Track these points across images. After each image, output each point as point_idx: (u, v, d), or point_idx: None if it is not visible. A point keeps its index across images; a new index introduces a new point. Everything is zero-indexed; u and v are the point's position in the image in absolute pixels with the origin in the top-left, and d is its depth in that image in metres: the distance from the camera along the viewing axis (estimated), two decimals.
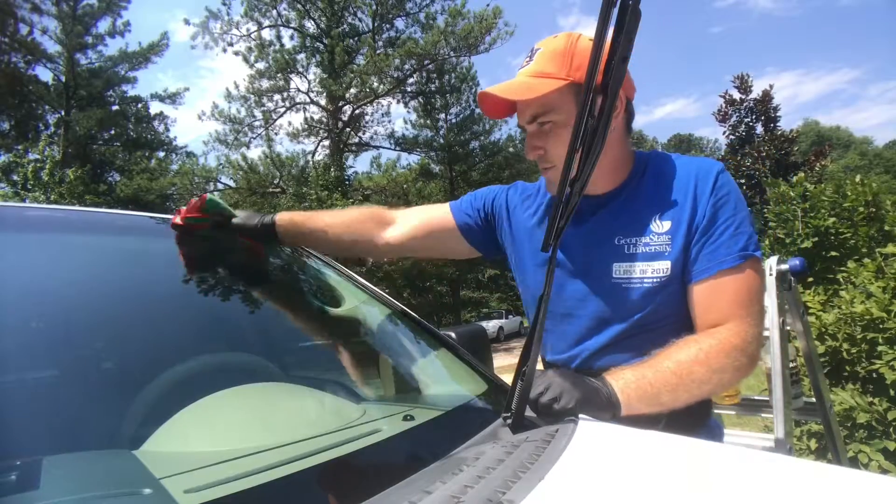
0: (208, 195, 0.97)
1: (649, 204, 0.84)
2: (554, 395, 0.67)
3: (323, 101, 17.33)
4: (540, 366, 0.80)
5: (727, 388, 0.82)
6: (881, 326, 2.21)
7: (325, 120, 17.56)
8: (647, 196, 0.85)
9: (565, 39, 0.81)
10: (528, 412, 0.69)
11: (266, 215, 1.04)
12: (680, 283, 0.82)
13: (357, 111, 17.59)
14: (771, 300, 1.49)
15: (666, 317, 0.83)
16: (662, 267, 0.81)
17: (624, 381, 0.73)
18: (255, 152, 22.17)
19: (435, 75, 17.83)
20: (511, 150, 19.45)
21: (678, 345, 0.78)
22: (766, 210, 3.60)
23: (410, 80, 17.54)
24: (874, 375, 2.19)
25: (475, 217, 1.03)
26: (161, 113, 20.97)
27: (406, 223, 1.06)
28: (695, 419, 0.91)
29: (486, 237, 1.03)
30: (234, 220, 1.03)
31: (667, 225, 0.82)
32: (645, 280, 0.81)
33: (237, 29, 16.72)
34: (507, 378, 0.86)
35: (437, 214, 1.05)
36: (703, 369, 0.75)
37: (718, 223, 0.80)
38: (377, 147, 18.75)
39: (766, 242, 3.35)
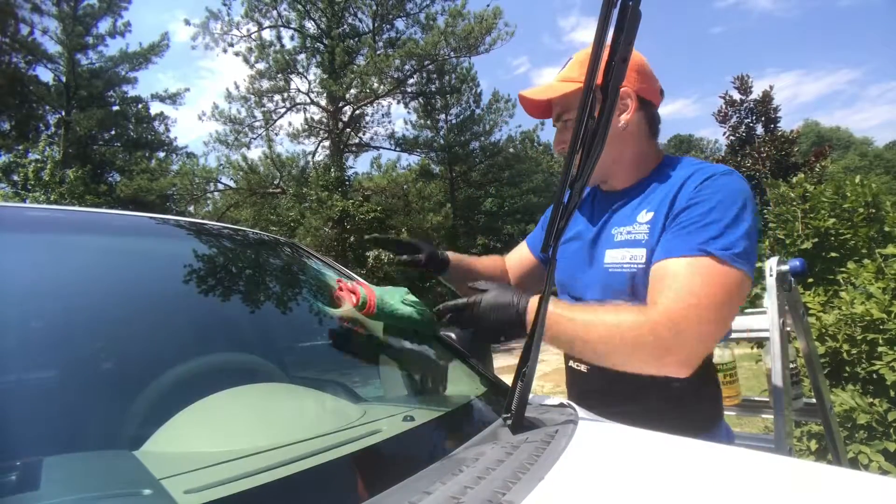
0: (377, 305, 0.87)
1: (644, 197, 0.91)
2: (465, 320, 0.84)
3: (323, 102, 17.32)
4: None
5: (630, 364, 0.75)
6: (881, 327, 2.21)
7: (325, 120, 17.56)
8: (646, 190, 0.91)
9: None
10: (528, 412, 0.69)
11: (440, 251, 1.15)
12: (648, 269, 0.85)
13: (357, 112, 17.58)
14: (771, 301, 1.49)
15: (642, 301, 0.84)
16: (639, 254, 0.85)
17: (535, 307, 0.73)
18: (255, 153, 22.21)
19: (435, 76, 17.83)
20: (511, 150, 19.45)
21: (608, 308, 0.79)
22: (766, 211, 3.60)
23: (411, 81, 17.54)
24: (874, 376, 2.19)
25: None
26: (161, 113, 20.98)
27: (511, 267, 1.24)
28: (704, 422, 0.92)
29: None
30: (409, 257, 1.10)
31: (650, 215, 0.87)
32: (624, 266, 0.87)
33: (237, 29, 16.71)
34: (507, 378, 0.86)
35: (524, 254, 1.22)
36: (605, 329, 0.74)
37: (691, 216, 0.79)
38: (377, 147, 18.74)
39: (766, 243, 3.35)
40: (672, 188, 0.86)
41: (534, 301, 0.82)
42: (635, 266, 0.86)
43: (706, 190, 0.80)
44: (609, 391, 0.88)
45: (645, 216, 0.87)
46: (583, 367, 0.96)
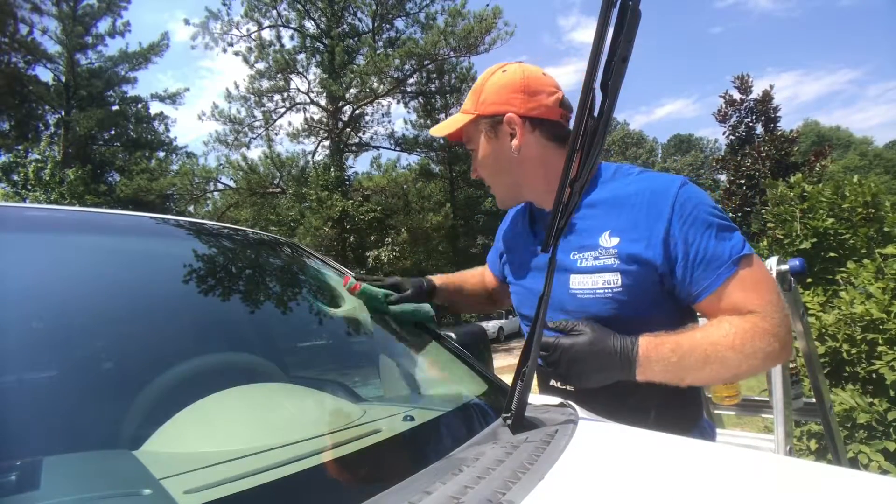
0: (362, 287, 0.98)
1: (603, 222, 0.88)
2: (560, 373, 0.80)
3: (323, 102, 17.33)
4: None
5: (756, 373, 0.84)
6: (881, 327, 2.21)
7: (325, 120, 17.56)
8: (601, 214, 0.89)
9: (485, 75, 0.96)
10: (528, 412, 0.69)
11: (424, 280, 1.14)
12: (638, 294, 0.84)
13: (357, 111, 17.59)
14: None
15: (627, 322, 0.83)
16: (613, 278, 0.84)
17: (653, 346, 0.79)
18: (255, 152, 22.22)
19: (435, 75, 17.83)
20: None
21: (712, 324, 0.80)
22: (765, 211, 3.60)
23: (410, 81, 17.54)
24: (874, 376, 2.19)
25: (500, 265, 1.16)
26: (161, 113, 21.05)
27: (487, 285, 1.25)
28: (687, 419, 0.92)
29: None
30: (397, 296, 1.03)
31: (615, 240, 0.85)
32: (597, 291, 0.86)
33: (237, 29, 16.72)
34: (507, 378, 0.86)
35: (489, 276, 1.24)
36: (734, 354, 0.77)
37: (698, 239, 0.81)
38: (377, 147, 18.75)
39: (765, 243, 3.35)
40: (634, 214, 0.84)
41: (646, 344, 0.79)
42: (610, 290, 0.85)
43: (684, 210, 0.82)
44: (591, 398, 0.85)
45: (608, 240, 0.86)
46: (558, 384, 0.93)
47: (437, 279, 1.17)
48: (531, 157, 0.93)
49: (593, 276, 0.86)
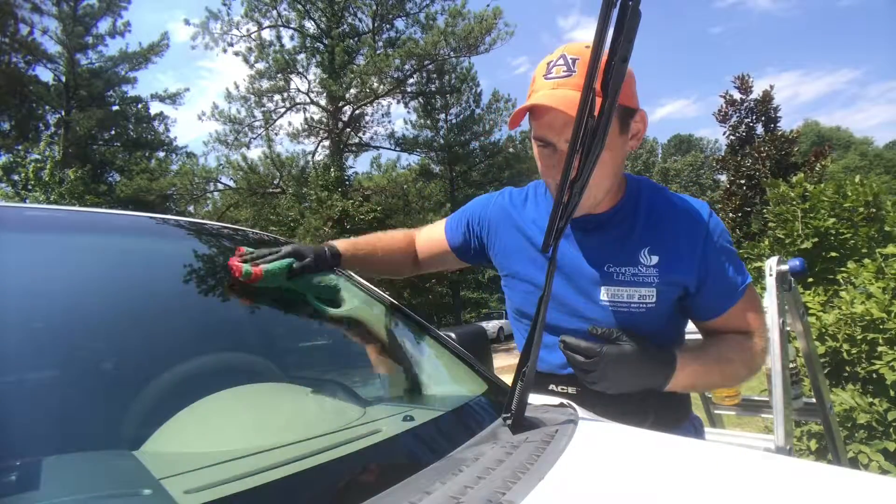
0: (263, 270, 0.83)
1: (641, 237, 0.87)
2: (595, 380, 0.77)
3: (323, 102, 17.34)
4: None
5: (740, 383, 0.97)
6: (881, 327, 2.21)
7: (325, 120, 17.57)
8: (639, 229, 0.88)
9: (587, 51, 0.78)
10: (528, 412, 0.69)
11: (325, 247, 0.99)
12: (664, 309, 0.88)
13: (357, 111, 17.59)
14: (771, 300, 1.50)
15: (646, 334, 0.85)
16: (648, 294, 0.86)
17: (687, 359, 0.83)
18: (255, 152, 22.22)
19: (435, 75, 17.84)
20: (511, 150, 19.46)
21: (725, 342, 0.88)
22: (765, 211, 3.60)
23: (410, 81, 17.55)
24: (874, 376, 2.19)
25: (467, 237, 1.08)
26: (161, 113, 21.03)
27: (420, 247, 1.16)
28: (678, 416, 0.95)
29: (477, 254, 1.08)
30: (299, 264, 0.91)
31: (655, 259, 0.86)
32: (632, 305, 0.87)
33: (237, 29, 16.74)
34: (507, 378, 0.86)
35: (436, 238, 1.13)
36: (742, 368, 0.88)
37: (721, 266, 0.87)
38: (377, 147, 18.77)
39: (766, 243, 3.35)
40: (673, 235, 0.86)
41: (682, 358, 0.81)
42: (644, 306, 0.86)
43: (714, 236, 0.87)
44: (591, 399, 0.86)
45: (648, 258, 0.86)
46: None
47: (341, 244, 1.02)
48: (623, 157, 0.86)
49: (629, 290, 0.86)
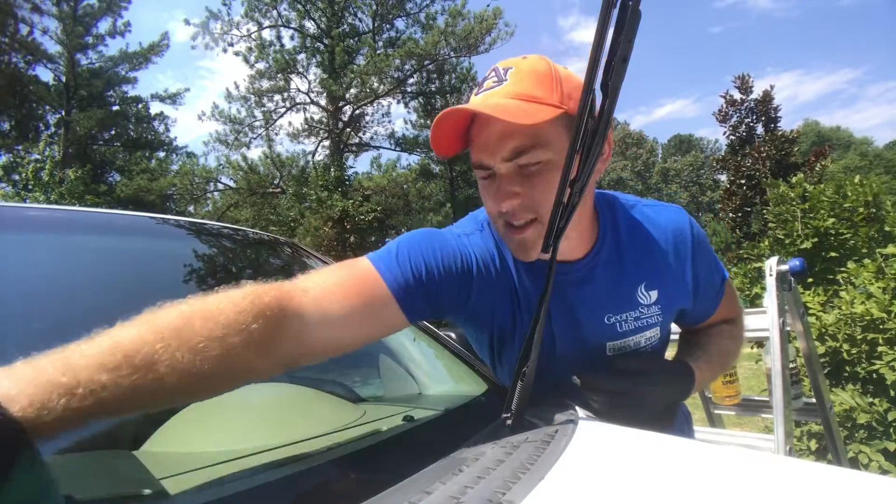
0: None
1: (633, 274, 0.78)
2: (622, 416, 0.69)
3: (323, 102, 17.33)
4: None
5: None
6: (881, 327, 2.21)
7: (325, 120, 17.56)
8: (629, 264, 0.78)
9: (544, 63, 0.68)
10: (528, 412, 0.69)
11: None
12: (664, 336, 0.86)
13: (357, 111, 17.59)
14: (771, 301, 1.50)
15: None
16: (654, 335, 0.82)
17: (700, 371, 0.81)
18: (255, 152, 22.19)
19: (435, 75, 17.83)
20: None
21: (720, 334, 0.90)
22: (765, 211, 3.60)
23: (411, 81, 17.55)
24: (874, 376, 2.19)
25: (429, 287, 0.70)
26: (161, 113, 20.98)
27: (326, 319, 0.60)
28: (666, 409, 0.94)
29: (436, 308, 0.73)
30: None
31: (654, 295, 0.79)
32: (640, 349, 0.82)
33: (237, 29, 16.73)
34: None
35: (370, 295, 0.65)
36: (733, 359, 0.92)
37: (706, 276, 0.86)
38: (377, 147, 18.75)
39: (766, 243, 3.35)
40: (664, 260, 0.79)
41: (697, 372, 0.79)
42: (650, 345, 0.82)
43: (697, 247, 0.83)
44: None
45: (647, 296, 0.78)
46: None
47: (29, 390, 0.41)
48: (591, 193, 0.74)
49: (635, 338, 0.80)
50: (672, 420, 0.94)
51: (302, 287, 0.59)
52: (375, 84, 16.49)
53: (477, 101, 0.66)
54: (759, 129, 11.76)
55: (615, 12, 0.49)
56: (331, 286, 0.62)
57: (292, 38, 17.37)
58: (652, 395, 0.73)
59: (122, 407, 0.41)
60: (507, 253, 0.76)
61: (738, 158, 11.14)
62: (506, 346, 0.80)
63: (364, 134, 18.47)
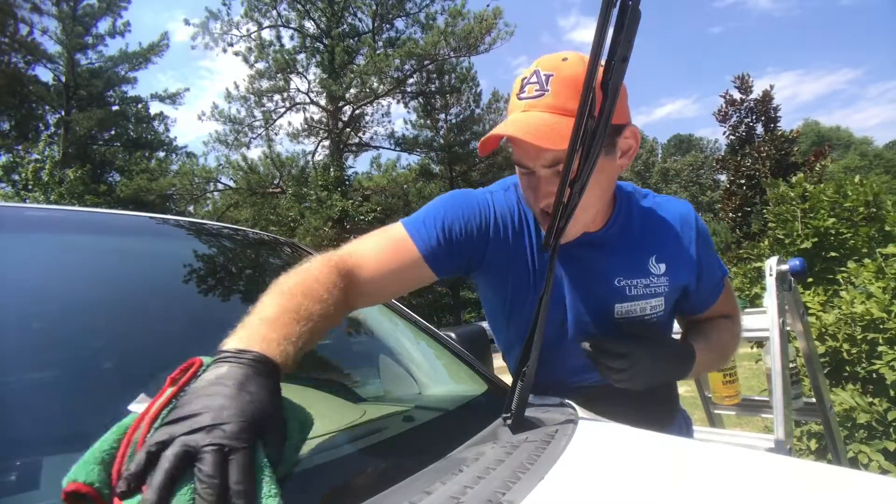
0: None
1: (645, 246, 0.86)
2: (626, 378, 0.76)
3: (323, 102, 17.34)
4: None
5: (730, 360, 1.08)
6: (881, 327, 2.21)
7: (325, 120, 17.57)
8: (639, 237, 0.86)
9: (582, 67, 0.68)
10: (528, 412, 0.69)
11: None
12: (668, 313, 0.91)
13: (357, 111, 17.60)
14: (771, 300, 1.50)
15: None
16: (658, 304, 0.87)
17: (701, 351, 0.87)
18: (255, 152, 22.22)
19: (435, 75, 17.82)
20: (511, 149, 19.40)
21: (719, 326, 0.94)
22: (765, 211, 3.60)
23: (410, 81, 17.54)
24: (874, 376, 2.19)
25: (452, 246, 0.80)
26: (161, 113, 21.02)
27: (364, 268, 0.75)
28: (672, 411, 0.97)
29: (461, 263, 0.83)
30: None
31: (663, 267, 0.86)
32: (645, 316, 0.87)
33: (237, 29, 16.74)
34: (507, 378, 0.86)
35: (393, 249, 0.78)
36: (732, 351, 0.96)
37: (708, 264, 0.91)
38: (377, 147, 18.76)
39: (766, 243, 3.35)
40: (673, 240, 0.87)
41: (698, 350, 0.85)
42: (656, 315, 0.87)
43: (701, 237, 0.90)
44: (592, 399, 0.86)
45: (657, 267, 0.85)
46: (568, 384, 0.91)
47: (271, 348, 0.56)
48: (616, 174, 0.80)
49: (642, 303, 0.85)
50: (672, 419, 0.95)
51: (350, 252, 0.76)
52: (375, 84, 16.49)
53: (519, 114, 0.72)
54: (759, 129, 11.77)
55: (615, 12, 0.49)
56: (370, 251, 0.77)
57: (292, 38, 17.40)
58: (656, 363, 0.78)
59: (312, 340, 0.60)
60: (528, 213, 0.85)
61: (738, 158, 11.15)
62: (517, 306, 0.86)
63: (364, 134, 18.49)
